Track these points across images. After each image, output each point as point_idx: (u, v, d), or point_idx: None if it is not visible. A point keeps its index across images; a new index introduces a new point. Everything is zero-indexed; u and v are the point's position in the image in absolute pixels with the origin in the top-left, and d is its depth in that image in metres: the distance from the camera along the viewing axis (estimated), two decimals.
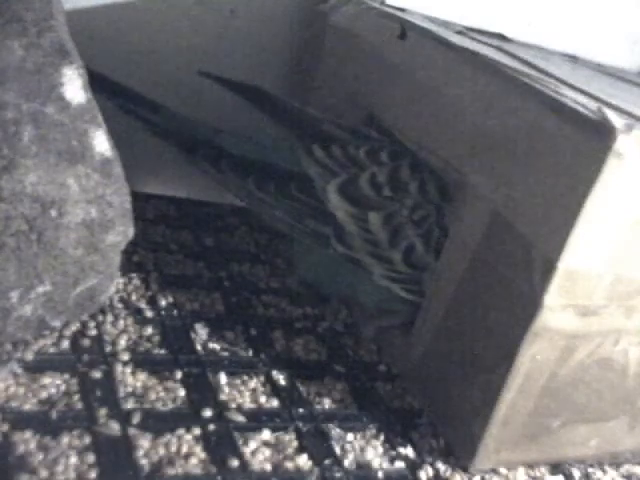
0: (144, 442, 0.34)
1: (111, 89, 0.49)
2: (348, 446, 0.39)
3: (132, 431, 0.35)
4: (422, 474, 0.39)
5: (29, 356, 0.37)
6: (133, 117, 0.50)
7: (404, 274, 0.44)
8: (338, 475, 0.37)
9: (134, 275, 0.47)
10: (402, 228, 0.44)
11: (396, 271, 0.44)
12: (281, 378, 0.42)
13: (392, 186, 0.45)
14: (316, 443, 0.38)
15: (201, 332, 0.44)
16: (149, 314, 0.44)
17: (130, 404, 0.37)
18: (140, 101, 0.50)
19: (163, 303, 0.45)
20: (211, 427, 0.37)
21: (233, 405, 0.39)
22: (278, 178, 0.47)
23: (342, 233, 0.45)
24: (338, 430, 0.40)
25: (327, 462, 0.37)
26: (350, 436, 0.40)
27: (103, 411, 0.35)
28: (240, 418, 0.38)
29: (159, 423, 0.36)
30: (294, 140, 0.49)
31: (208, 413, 0.37)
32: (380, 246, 0.44)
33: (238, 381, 0.41)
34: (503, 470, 0.41)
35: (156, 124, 0.50)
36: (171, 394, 0.38)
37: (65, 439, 0.33)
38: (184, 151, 0.50)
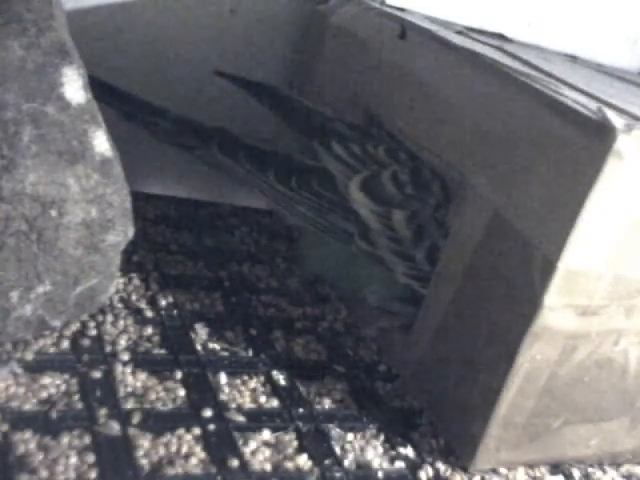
0: (144, 442, 0.34)
1: (115, 97, 0.49)
2: (348, 446, 0.39)
3: (132, 431, 0.35)
4: (422, 474, 0.39)
5: (29, 356, 0.37)
6: (140, 125, 0.50)
7: (427, 273, 0.44)
8: (338, 475, 0.37)
9: (134, 275, 0.47)
10: (425, 227, 0.43)
11: (419, 270, 0.44)
12: (281, 378, 0.42)
13: (415, 184, 0.44)
14: (316, 443, 0.38)
15: (201, 332, 0.44)
16: (149, 314, 0.44)
17: (130, 404, 0.37)
18: (145, 107, 0.50)
19: (163, 303, 0.45)
20: (211, 427, 0.37)
21: (233, 405, 0.39)
22: (299, 172, 0.46)
23: (365, 230, 0.45)
24: (338, 430, 0.40)
25: (327, 462, 0.37)
26: (350, 436, 0.40)
27: (103, 411, 0.35)
28: (240, 418, 0.38)
29: (159, 423, 0.36)
30: (310, 136, 0.49)
31: (208, 413, 0.37)
32: (403, 244, 0.44)
33: (238, 381, 0.41)
34: (503, 470, 0.41)
35: (164, 127, 0.50)
36: (171, 394, 0.38)
37: (65, 439, 0.33)
38: (197, 145, 0.49)
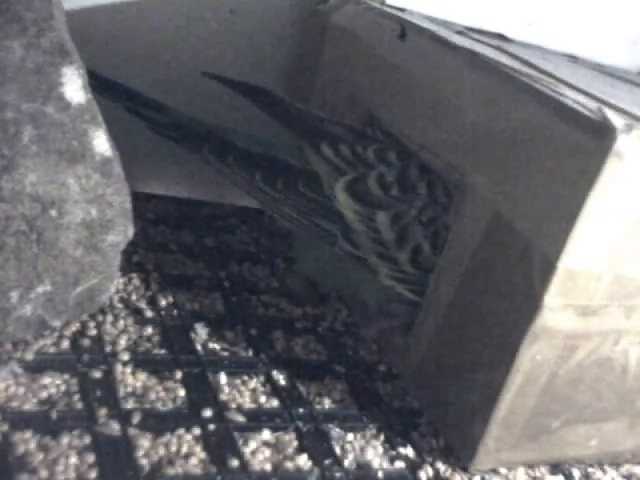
0: (144, 442, 0.34)
1: (115, 91, 0.49)
2: (348, 446, 0.39)
3: (132, 431, 0.35)
4: (422, 474, 0.39)
5: (29, 356, 0.37)
6: (137, 117, 0.50)
7: (410, 275, 0.44)
8: (338, 475, 0.37)
9: (134, 275, 0.47)
10: (410, 229, 0.43)
11: (402, 271, 0.44)
12: (281, 378, 0.42)
13: (401, 186, 0.44)
14: (316, 443, 0.38)
15: (201, 332, 0.44)
16: (149, 314, 0.44)
17: (130, 404, 0.37)
18: (144, 101, 0.50)
19: (163, 303, 0.45)
20: (211, 427, 0.37)
21: (233, 405, 0.39)
22: (285, 174, 0.47)
23: (349, 232, 0.45)
24: (338, 430, 0.40)
25: (327, 462, 0.37)
26: (350, 436, 0.40)
27: (103, 411, 0.35)
28: (240, 418, 0.38)
29: (159, 423, 0.36)
30: (300, 138, 0.49)
31: (208, 413, 0.37)
32: (387, 246, 0.44)
33: (238, 381, 0.41)
34: (503, 470, 0.41)
35: (161, 123, 0.50)
36: (171, 394, 0.38)
37: (65, 439, 0.33)
38: (190, 146, 0.50)
